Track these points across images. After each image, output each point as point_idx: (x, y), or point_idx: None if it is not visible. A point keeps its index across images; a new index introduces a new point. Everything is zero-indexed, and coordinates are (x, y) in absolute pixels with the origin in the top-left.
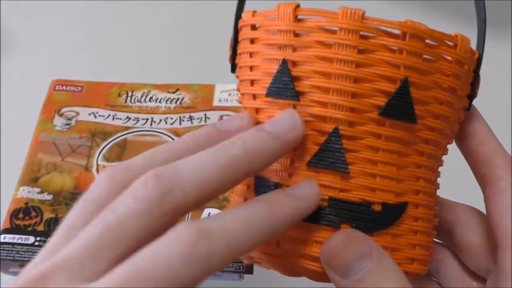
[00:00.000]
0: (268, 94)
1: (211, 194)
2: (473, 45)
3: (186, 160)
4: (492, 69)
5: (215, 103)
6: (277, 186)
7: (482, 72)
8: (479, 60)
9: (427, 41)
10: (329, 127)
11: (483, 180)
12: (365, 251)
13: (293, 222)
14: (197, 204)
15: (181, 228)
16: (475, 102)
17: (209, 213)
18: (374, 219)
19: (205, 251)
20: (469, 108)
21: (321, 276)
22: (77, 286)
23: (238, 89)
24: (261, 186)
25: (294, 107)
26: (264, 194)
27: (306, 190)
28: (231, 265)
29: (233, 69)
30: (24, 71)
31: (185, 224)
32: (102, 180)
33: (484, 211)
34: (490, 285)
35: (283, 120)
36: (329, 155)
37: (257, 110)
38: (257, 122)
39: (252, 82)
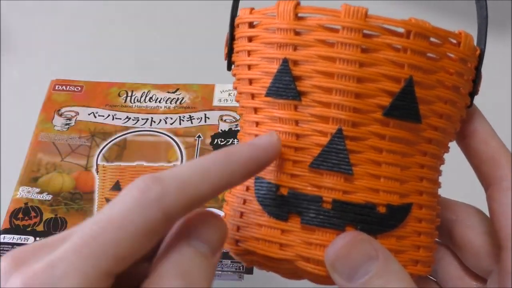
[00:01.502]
0: (268, 94)
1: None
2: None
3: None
4: (492, 69)
5: (215, 103)
6: (278, 188)
7: (482, 71)
8: (481, 57)
9: (431, 39)
10: (332, 128)
11: (486, 179)
12: (371, 253)
13: (251, 168)
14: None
15: (137, 180)
16: (475, 102)
17: None
18: (379, 221)
19: (156, 193)
20: (471, 105)
21: (325, 280)
22: None
23: (235, 88)
24: (262, 188)
25: (296, 107)
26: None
27: (265, 138)
28: (231, 265)
29: (229, 67)
30: (24, 71)
31: (141, 177)
32: None
33: (484, 210)
34: (491, 285)
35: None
36: (332, 156)
37: (256, 110)
38: (256, 122)
39: (251, 81)
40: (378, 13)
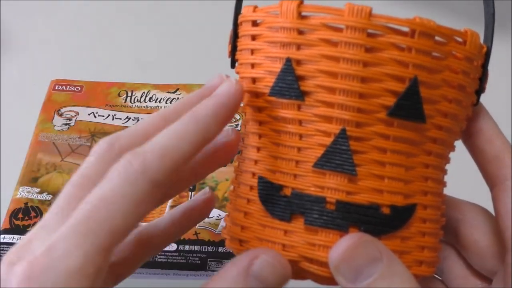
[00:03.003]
0: (271, 93)
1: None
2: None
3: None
4: (492, 69)
5: None
6: (281, 188)
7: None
8: (488, 55)
9: (436, 38)
10: (335, 128)
11: (491, 179)
12: (375, 255)
13: (220, 119)
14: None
15: (119, 159)
16: None
17: None
18: (383, 222)
19: (139, 164)
20: (477, 103)
21: (328, 280)
22: None
23: None
24: (265, 188)
25: (299, 107)
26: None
27: (223, 86)
28: None
29: (233, 65)
30: (24, 71)
31: (123, 156)
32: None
33: (490, 210)
34: (496, 285)
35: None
36: (336, 156)
37: (259, 109)
38: (259, 121)
39: (254, 80)
40: (382, 12)
